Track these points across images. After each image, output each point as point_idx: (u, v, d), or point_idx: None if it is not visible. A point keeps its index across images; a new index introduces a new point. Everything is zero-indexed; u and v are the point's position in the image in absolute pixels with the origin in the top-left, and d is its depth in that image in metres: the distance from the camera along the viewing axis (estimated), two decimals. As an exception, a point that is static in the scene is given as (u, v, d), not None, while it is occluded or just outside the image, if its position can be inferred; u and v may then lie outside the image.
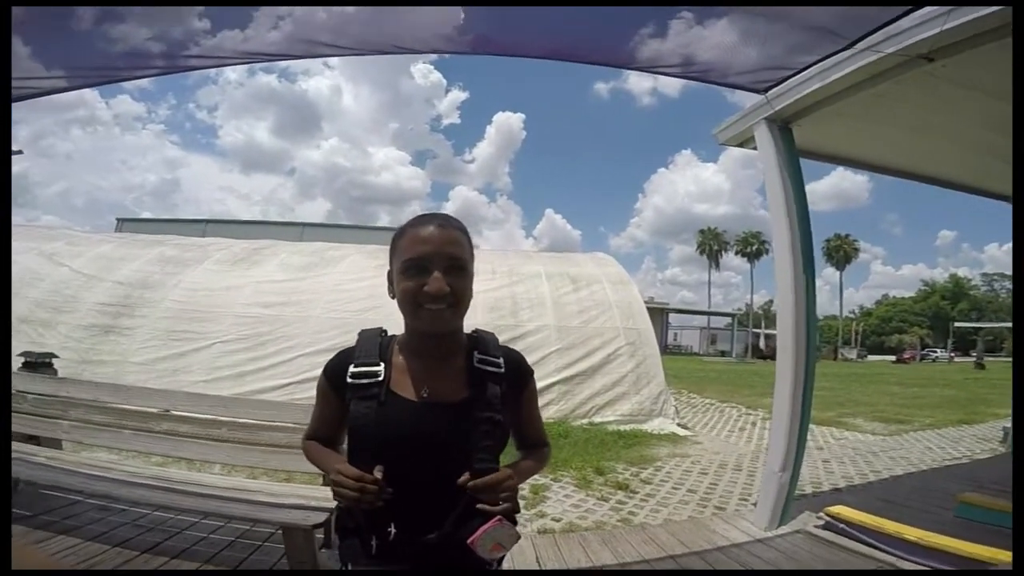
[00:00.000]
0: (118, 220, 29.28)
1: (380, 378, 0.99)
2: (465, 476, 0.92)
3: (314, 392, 1.11)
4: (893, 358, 41.49)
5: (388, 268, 1.06)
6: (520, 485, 1.02)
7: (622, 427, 6.81)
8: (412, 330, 1.04)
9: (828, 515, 3.26)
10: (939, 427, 8.10)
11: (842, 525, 3.16)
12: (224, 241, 10.06)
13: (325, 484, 0.96)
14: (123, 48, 2.52)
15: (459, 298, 0.98)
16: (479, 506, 0.90)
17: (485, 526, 0.88)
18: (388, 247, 1.08)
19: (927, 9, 2.29)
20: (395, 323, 1.11)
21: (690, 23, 2.60)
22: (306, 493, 2.66)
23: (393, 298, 1.04)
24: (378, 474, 0.89)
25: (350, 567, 1.01)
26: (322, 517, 2.39)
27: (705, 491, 4.44)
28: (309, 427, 1.15)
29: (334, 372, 1.05)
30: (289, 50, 2.76)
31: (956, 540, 2.74)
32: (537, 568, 2.73)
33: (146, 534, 2.79)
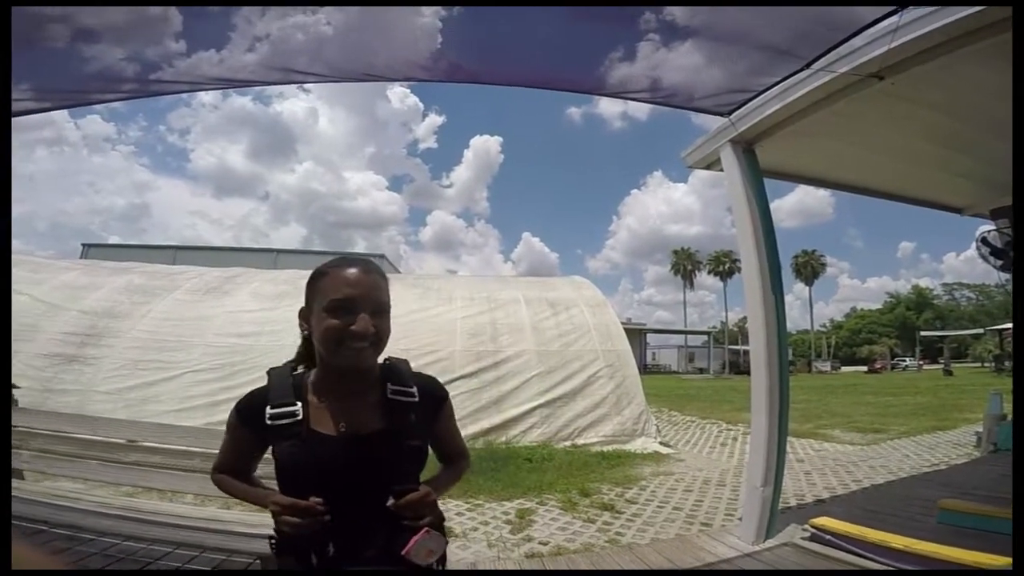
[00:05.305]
0: (84, 246, 28.35)
1: (299, 417, 1.03)
2: (390, 500, 0.98)
3: None
4: (865, 368, 42.35)
5: (302, 306, 1.08)
6: (442, 498, 1.10)
7: (605, 448, 6.78)
8: (331, 367, 1.06)
9: (813, 527, 3.28)
10: (914, 435, 8.28)
11: (828, 536, 3.17)
12: (195, 270, 9.85)
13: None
14: (96, 68, 2.45)
15: (381, 337, 1.04)
16: (405, 522, 0.98)
17: (415, 538, 0.97)
18: None
19: (877, 27, 2.41)
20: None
21: (657, 45, 2.69)
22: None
23: (305, 334, 1.08)
24: (313, 501, 0.95)
25: None
26: (301, 548, 2.30)
27: (691, 508, 4.42)
28: (219, 460, 1.18)
29: (249, 412, 1.07)
30: (264, 76, 2.74)
31: (942, 546, 2.77)
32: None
33: (116, 564, 2.64)
